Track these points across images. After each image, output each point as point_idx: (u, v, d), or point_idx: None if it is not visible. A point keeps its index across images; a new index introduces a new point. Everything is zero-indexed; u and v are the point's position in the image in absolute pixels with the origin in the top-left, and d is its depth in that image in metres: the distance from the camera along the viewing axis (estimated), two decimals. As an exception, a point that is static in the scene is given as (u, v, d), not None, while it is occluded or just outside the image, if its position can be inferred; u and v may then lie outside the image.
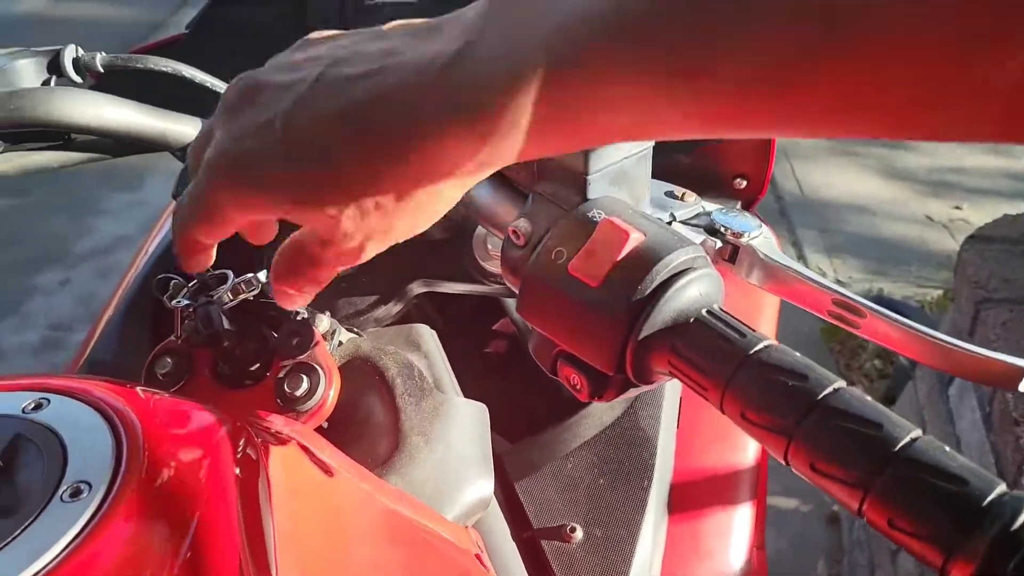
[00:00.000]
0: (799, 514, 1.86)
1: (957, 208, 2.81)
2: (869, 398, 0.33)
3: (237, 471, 0.39)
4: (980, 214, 2.73)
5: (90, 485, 0.34)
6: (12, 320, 2.13)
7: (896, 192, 2.87)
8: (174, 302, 0.50)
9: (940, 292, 2.37)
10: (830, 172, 2.95)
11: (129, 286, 0.79)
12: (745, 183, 0.79)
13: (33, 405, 0.39)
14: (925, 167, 3.00)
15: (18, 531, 0.32)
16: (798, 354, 0.35)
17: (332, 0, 0.81)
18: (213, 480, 0.37)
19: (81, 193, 2.57)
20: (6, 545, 0.31)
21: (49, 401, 0.39)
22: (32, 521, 0.32)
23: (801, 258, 2.54)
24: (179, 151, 0.65)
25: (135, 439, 0.37)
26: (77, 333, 2.10)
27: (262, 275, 0.52)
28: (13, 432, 0.37)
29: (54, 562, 0.31)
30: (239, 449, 0.40)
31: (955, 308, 1.45)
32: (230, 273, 0.51)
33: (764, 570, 0.73)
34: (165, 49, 0.82)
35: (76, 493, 0.34)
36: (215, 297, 0.50)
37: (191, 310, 0.50)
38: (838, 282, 2.45)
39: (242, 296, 0.51)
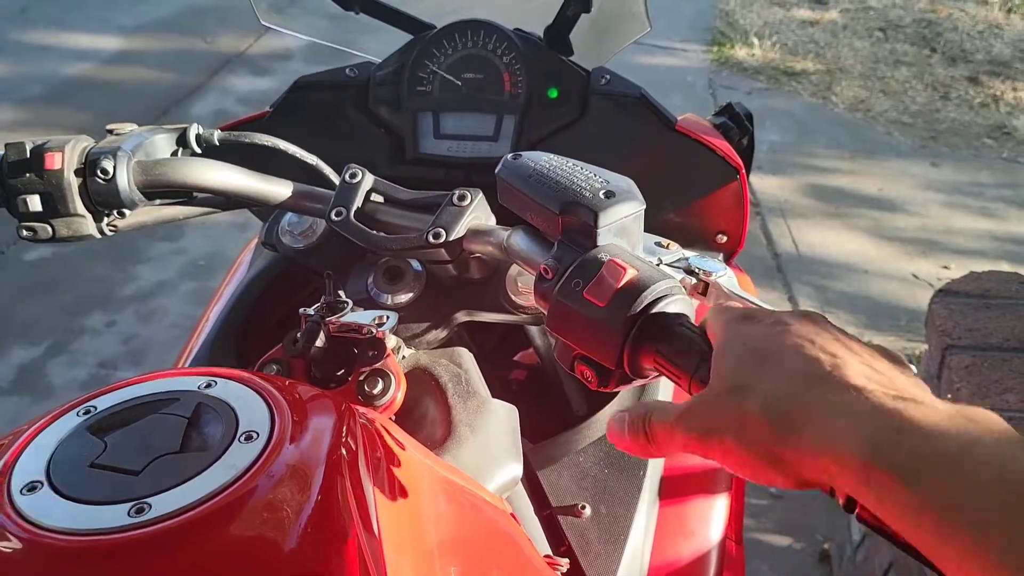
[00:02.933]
0: (792, 551, 1.98)
1: (945, 268, 2.97)
2: None
3: (345, 435, 0.54)
4: (967, 274, 2.89)
5: (258, 433, 0.50)
6: (62, 358, 2.30)
7: (886, 252, 3.03)
8: (301, 310, 0.67)
9: (927, 346, 2.51)
10: (825, 232, 3.12)
11: (217, 314, 0.96)
12: (725, 238, 0.96)
13: (205, 384, 0.55)
14: (914, 227, 3.17)
15: (215, 458, 0.48)
16: None
17: (390, 87, 0.99)
18: (335, 436, 0.53)
19: (124, 243, 2.76)
20: (210, 465, 0.47)
21: (216, 382, 0.55)
22: (223, 453, 0.48)
23: (796, 312, 2.70)
24: (273, 207, 0.81)
25: (281, 406, 0.53)
26: (121, 371, 2.27)
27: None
28: (197, 401, 0.53)
29: (246, 474, 0.46)
30: (346, 421, 0.56)
31: (927, 355, 1.60)
32: (350, 302, 0.68)
33: (742, 561, 0.88)
34: (253, 123, 1.00)
35: (249, 438, 0.50)
36: (325, 319, 0.67)
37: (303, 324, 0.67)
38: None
39: (339, 316, 0.67)
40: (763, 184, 3.36)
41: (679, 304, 0.54)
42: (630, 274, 0.54)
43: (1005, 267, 2.97)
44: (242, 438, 0.50)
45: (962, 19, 5.09)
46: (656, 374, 0.56)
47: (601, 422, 0.83)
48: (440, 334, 0.80)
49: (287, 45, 4.17)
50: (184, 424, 0.51)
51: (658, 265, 0.63)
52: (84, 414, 0.53)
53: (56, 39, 4.20)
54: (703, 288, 0.64)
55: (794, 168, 3.51)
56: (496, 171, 0.64)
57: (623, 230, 0.59)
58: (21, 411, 2.15)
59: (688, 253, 0.65)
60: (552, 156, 0.64)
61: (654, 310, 0.53)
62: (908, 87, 4.29)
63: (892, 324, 2.67)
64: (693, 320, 0.56)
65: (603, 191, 0.59)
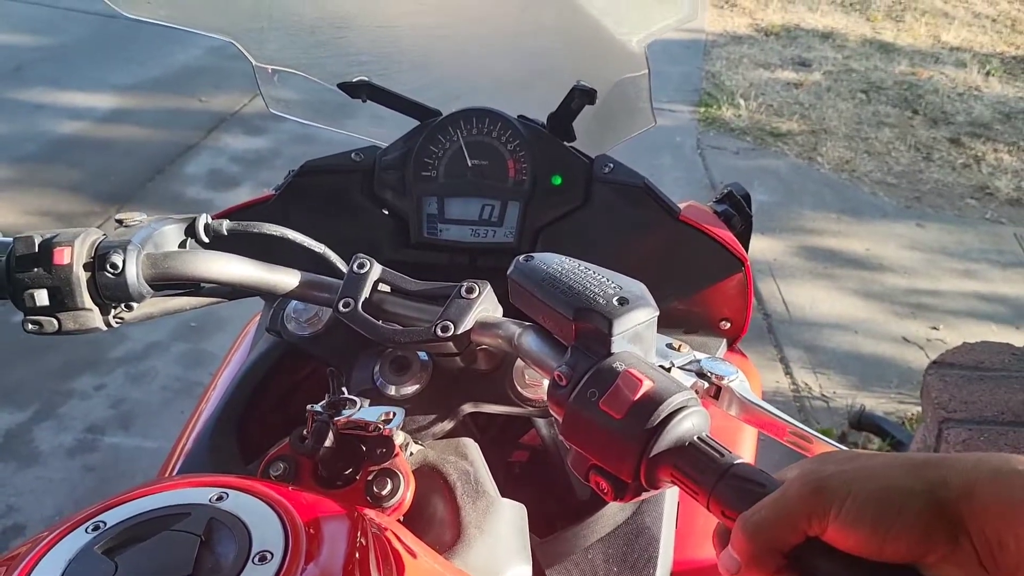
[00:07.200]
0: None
1: (934, 329, 2.99)
2: None
3: (358, 547, 0.54)
4: (956, 335, 2.90)
5: (272, 554, 0.49)
6: (49, 422, 2.27)
7: (875, 313, 3.05)
8: (308, 407, 0.67)
9: (919, 409, 2.51)
10: (814, 292, 3.15)
11: (217, 401, 0.94)
12: (729, 325, 0.97)
13: (217, 497, 0.54)
14: (902, 289, 3.20)
15: (228, 584, 0.47)
16: (759, 469, 0.51)
17: (395, 172, 1.00)
18: (349, 550, 0.52)
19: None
20: (224, 593, 0.46)
21: (228, 495, 0.54)
22: (237, 577, 0.47)
23: (788, 374, 2.70)
24: (281, 296, 0.81)
25: (294, 520, 0.52)
26: (110, 437, 2.23)
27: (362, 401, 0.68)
28: (208, 516, 0.52)
29: (262, 603, 0.46)
30: (360, 532, 0.55)
31: (923, 426, 1.60)
32: (358, 400, 0.68)
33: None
34: (257, 205, 1.01)
35: (263, 559, 0.49)
36: (333, 418, 0.66)
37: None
38: (801, 411, 2.60)
39: (349, 416, 0.67)
40: (752, 244, 3.38)
41: (696, 416, 0.54)
42: (646, 386, 0.54)
43: (993, 328, 3.00)
44: (256, 559, 0.49)
45: (942, 82, 5.22)
46: (671, 485, 0.55)
47: (608, 517, 0.82)
48: (446, 426, 0.80)
49: (281, 104, 4.20)
50: (197, 543, 0.50)
51: (670, 369, 0.63)
52: (93, 530, 0.52)
53: (50, 97, 4.22)
54: (715, 392, 0.64)
55: (782, 228, 3.54)
56: (508, 272, 0.65)
57: (637, 336, 0.59)
58: (6, 477, 2.10)
59: (700, 355, 0.65)
60: (564, 259, 0.64)
61: (671, 423, 0.53)
62: (891, 148, 4.37)
63: (883, 386, 2.67)
64: (708, 430, 0.55)
65: (616, 297, 0.59)
